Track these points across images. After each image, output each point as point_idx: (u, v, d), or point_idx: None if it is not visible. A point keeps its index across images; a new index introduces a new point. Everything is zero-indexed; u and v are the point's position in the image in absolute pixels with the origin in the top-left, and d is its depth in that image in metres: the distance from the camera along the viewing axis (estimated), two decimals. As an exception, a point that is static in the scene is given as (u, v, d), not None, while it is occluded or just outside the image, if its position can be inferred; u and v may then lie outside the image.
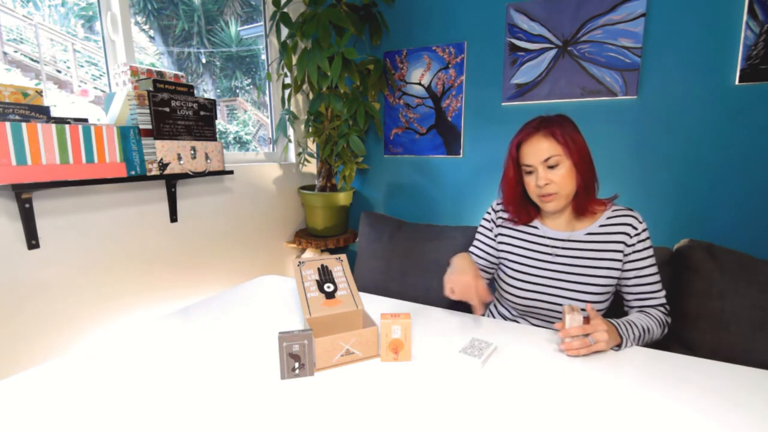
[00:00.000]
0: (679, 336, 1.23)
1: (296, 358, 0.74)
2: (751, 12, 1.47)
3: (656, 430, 0.60)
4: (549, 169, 0.96)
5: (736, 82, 1.52)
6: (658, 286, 0.99)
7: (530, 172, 0.99)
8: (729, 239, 1.58)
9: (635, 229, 0.97)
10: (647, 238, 0.98)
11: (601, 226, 1.01)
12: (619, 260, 0.98)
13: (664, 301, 0.99)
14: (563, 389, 0.71)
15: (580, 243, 1.02)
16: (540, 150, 0.96)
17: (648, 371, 0.77)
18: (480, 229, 1.18)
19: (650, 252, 0.98)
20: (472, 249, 1.18)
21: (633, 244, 0.97)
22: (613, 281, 0.99)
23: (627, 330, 0.88)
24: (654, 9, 1.61)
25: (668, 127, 1.66)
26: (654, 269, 0.99)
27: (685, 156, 1.65)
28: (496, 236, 1.14)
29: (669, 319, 0.99)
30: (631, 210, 1.01)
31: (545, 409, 0.65)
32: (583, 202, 1.00)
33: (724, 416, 0.64)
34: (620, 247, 0.98)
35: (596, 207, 1.01)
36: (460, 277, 0.91)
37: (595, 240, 1.01)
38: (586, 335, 0.82)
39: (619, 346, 0.87)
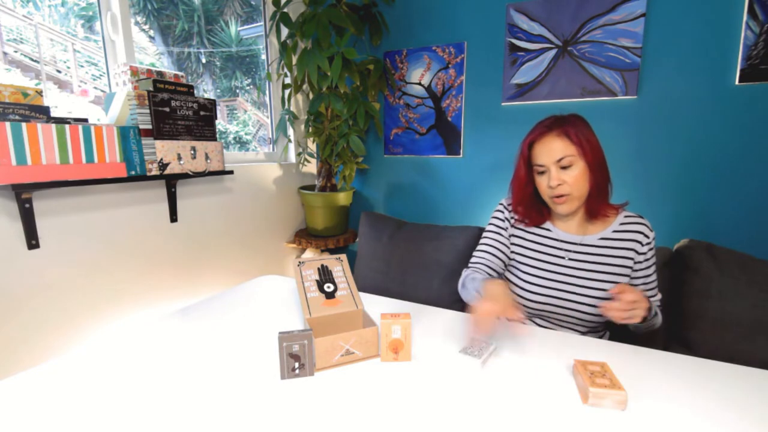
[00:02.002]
0: (679, 336, 1.23)
1: (296, 358, 0.74)
2: (751, 12, 1.47)
3: (656, 429, 0.60)
4: (562, 170, 0.94)
5: (736, 82, 1.52)
6: (657, 289, 1.03)
7: (542, 173, 0.98)
8: (729, 239, 1.58)
9: (647, 237, 0.98)
10: (654, 245, 1.01)
11: (615, 231, 1.00)
12: (629, 267, 0.99)
13: (659, 303, 1.03)
14: (563, 389, 0.71)
15: (593, 247, 1.01)
16: (553, 150, 0.94)
17: (648, 371, 0.77)
18: (491, 228, 1.13)
19: (655, 258, 1.01)
20: (483, 248, 1.12)
21: (644, 252, 0.99)
22: None
23: (655, 308, 0.94)
24: (654, 9, 1.61)
25: (668, 127, 1.66)
26: (656, 273, 1.02)
27: (685, 156, 1.65)
28: (509, 236, 1.11)
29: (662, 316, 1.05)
30: (642, 217, 1.01)
31: (545, 409, 0.65)
32: (596, 205, 0.98)
33: (724, 416, 0.64)
34: (631, 254, 0.98)
35: (609, 211, 1.00)
36: (491, 306, 0.80)
37: (608, 246, 1.00)
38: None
39: (645, 319, 0.90)
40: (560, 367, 0.78)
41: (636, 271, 0.99)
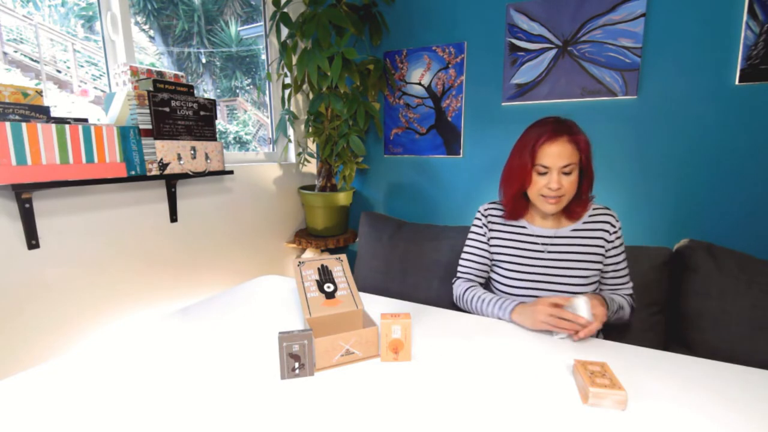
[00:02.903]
0: (679, 336, 1.23)
1: (296, 358, 0.74)
2: (751, 12, 1.47)
3: (656, 429, 0.60)
4: (563, 175, 0.99)
5: (736, 82, 1.52)
6: (628, 278, 1.10)
7: (544, 173, 1.00)
8: (729, 239, 1.58)
9: (613, 226, 1.06)
10: (621, 234, 1.08)
11: (585, 222, 1.08)
12: (601, 254, 1.06)
13: (631, 291, 1.10)
14: (563, 389, 0.71)
15: (566, 239, 1.07)
16: (563, 155, 0.97)
17: (648, 371, 0.77)
18: (472, 236, 1.19)
19: (623, 247, 1.08)
20: (469, 256, 1.19)
21: (612, 240, 1.06)
22: (597, 273, 1.06)
23: (610, 303, 1.00)
24: (654, 9, 1.61)
25: (668, 127, 1.66)
26: (626, 262, 1.09)
27: (685, 156, 1.65)
28: (488, 240, 1.16)
29: (635, 305, 1.12)
30: (608, 209, 1.09)
31: (545, 409, 0.65)
32: (576, 206, 1.05)
33: (724, 416, 0.64)
34: (601, 242, 1.06)
35: (582, 209, 1.07)
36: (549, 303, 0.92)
37: (579, 236, 1.07)
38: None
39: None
40: (560, 367, 0.78)
41: (607, 258, 1.06)
